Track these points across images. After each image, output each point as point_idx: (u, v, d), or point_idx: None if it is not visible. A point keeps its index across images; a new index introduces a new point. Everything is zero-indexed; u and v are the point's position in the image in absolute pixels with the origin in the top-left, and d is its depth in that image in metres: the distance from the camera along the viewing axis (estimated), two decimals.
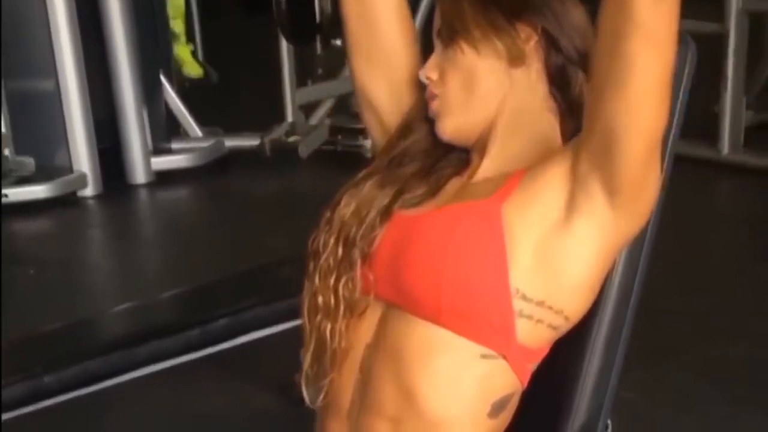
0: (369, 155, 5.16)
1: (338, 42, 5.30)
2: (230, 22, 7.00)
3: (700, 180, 4.68)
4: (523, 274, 1.38)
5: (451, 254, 1.38)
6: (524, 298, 1.38)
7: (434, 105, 1.50)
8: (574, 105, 1.47)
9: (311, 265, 1.49)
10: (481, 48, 1.45)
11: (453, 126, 1.49)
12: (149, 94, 5.25)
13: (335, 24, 5.31)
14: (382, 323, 1.46)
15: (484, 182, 1.48)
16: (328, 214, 1.51)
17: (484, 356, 1.40)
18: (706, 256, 4.11)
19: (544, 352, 1.45)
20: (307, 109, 5.46)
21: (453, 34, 1.47)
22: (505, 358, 1.41)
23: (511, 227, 1.38)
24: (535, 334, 1.41)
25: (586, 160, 1.35)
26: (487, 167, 1.49)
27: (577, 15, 1.47)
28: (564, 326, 1.43)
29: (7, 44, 4.86)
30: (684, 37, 1.49)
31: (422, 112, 1.56)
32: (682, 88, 1.52)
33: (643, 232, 1.49)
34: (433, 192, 1.50)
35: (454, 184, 1.52)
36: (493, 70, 1.46)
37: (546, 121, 1.49)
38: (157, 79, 5.37)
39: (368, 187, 1.50)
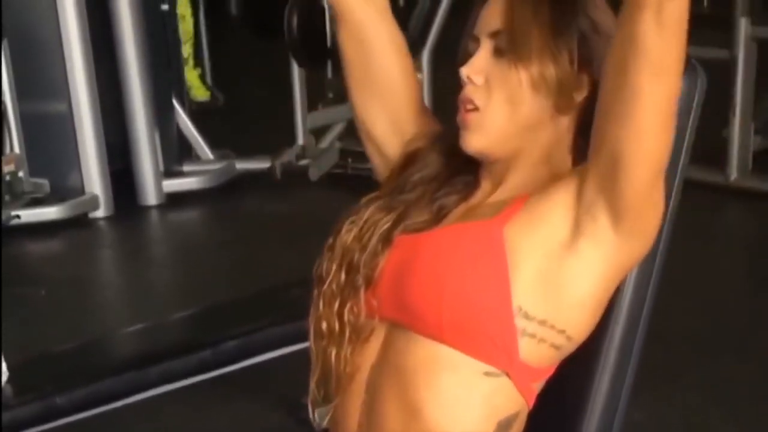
0: (380, 179, 5.16)
1: None
2: (240, 46, 7.04)
3: (709, 204, 4.70)
4: (526, 292, 1.38)
5: (452, 271, 1.39)
6: (526, 316, 1.39)
7: (470, 117, 1.45)
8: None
9: (315, 292, 1.51)
10: (539, 82, 1.43)
11: (485, 145, 1.46)
12: (161, 116, 5.28)
13: None
14: (387, 343, 1.47)
15: (489, 206, 1.49)
16: (330, 241, 1.52)
17: (487, 374, 1.41)
18: (713, 278, 4.12)
19: (549, 372, 1.46)
20: (317, 132, 5.49)
21: (516, 55, 1.43)
22: (508, 375, 1.41)
23: (514, 247, 1.39)
24: (538, 353, 1.42)
25: (592, 185, 1.36)
26: (501, 193, 1.49)
27: None
28: (567, 347, 1.44)
29: (21, 66, 4.90)
30: (693, 64, 1.51)
31: (427, 142, 1.57)
32: (692, 114, 1.52)
33: (653, 254, 1.49)
34: (438, 218, 1.51)
35: (459, 209, 1.52)
36: (540, 105, 1.45)
37: (567, 160, 1.50)
38: (169, 101, 5.40)
39: (369, 213, 1.51)
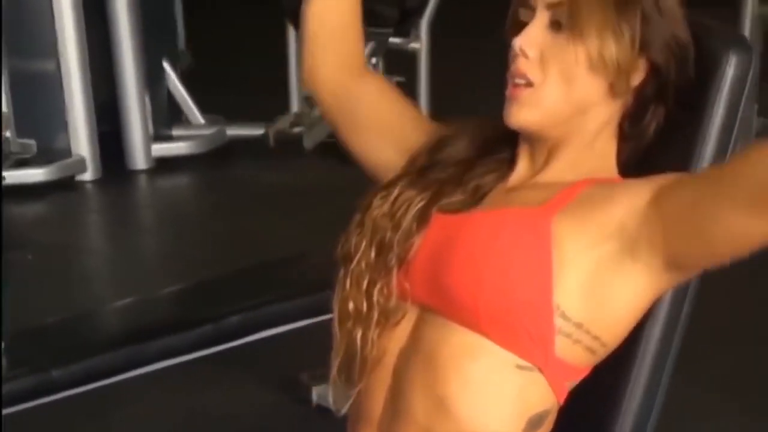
0: None
1: None
2: (234, 9, 6.94)
3: None
4: (567, 293, 1.32)
5: (494, 259, 1.32)
6: (563, 316, 1.32)
7: (523, 92, 1.37)
8: (637, 137, 1.42)
9: (341, 270, 1.44)
10: (597, 62, 1.35)
11: (534, 121, 1.38)
12: (152, 78, 5.16)
13: None
14: (417, 328, 1.40)
15: (533, 188, 1.41)
16: (358, 216, 1.45)
17: (520, 367, 1.34)
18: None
19: (583, 373, 1.39)
20: (311, 100, 5.38)
21: (576, 31, 1.34)
22: (541, 371, 1.35)
23: (561, 242, 1.32)
24: (573, 353, 1.35)
25: (666, 232, 1.28)
26: (542, 176, 1.42)
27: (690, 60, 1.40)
28: (600, 352, 1.37)
29: (9, 24, 4.77)
30: (744, 41, 1.44)
31: (450, 131, 1.50)
32: (744, 96, 1.44)
33: None
34: (475, 198, 1.43)
35: (498, 190, 1.44)
36: (595, 86, 1.37)
37: (611, 147, 1.43)
38: (160, 64, 5.28)
39: (400, 189, 1.44)
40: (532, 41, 1.36)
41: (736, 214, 1.21)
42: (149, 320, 2.66)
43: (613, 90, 1.37)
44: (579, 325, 1.33)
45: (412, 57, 5.17)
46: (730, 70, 1.41)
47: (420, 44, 5.20)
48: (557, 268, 1.31)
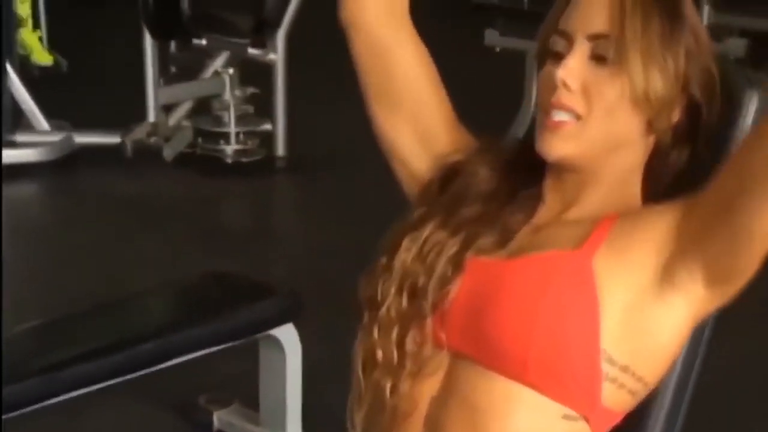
0: (229, 161, 4.98)
1: (203, 42, 5.09)
2: (86, 9, 6.68)
3: None
4: (611, 335, 1.28)
5: (544, 308, 1.27)
6: (610, 360, 1.28)
7: (566, 125, 1.32)
8: (663, 175, 1.39)
9: (366, 316, 1.36)
10: (642, 98, 1.30)
11: (573, 154, 1.33)
12: None
13: (198, 22, 5.09)
14: (452, 377, 1.33)
15: (563, 227, 1.36)
16: (384, 260, 1.37)
17: (566, 417, 1.30)
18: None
19: (620, 417, 1.35)
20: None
21: (622, 65, 1.30)
22: (587, 420, 1.30)
23: (602, 282, 1.28)
24: (616, 399, 1.31)
25: (700, 244, 1.26)
26: (571, 212, 1.37)
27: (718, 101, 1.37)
28: (641, 393, 1.34)
29: None
30: None
31: (466, 155, 1.44)
32: None
33: None
34: (506, 240, 1.37)
35: (526, 228, 1.39)
36: (636, 121, 1.33)
37: (639, 184, 1.40)
38: (1, 65, 5.02)
39: (429, 230, 1.37)
40: (574, 73, 1.31)
41: (762, 201, 1.19)
42: (38, 347, 2.49)
43: (651, 126, 1.34)
44: (625, 368, 1.29)
45: (268, 68, 5.09)
46: (752, 108, 1.40)
47: (276, 56, 5.11)
48: (602, 311, 1.27)
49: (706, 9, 4.76)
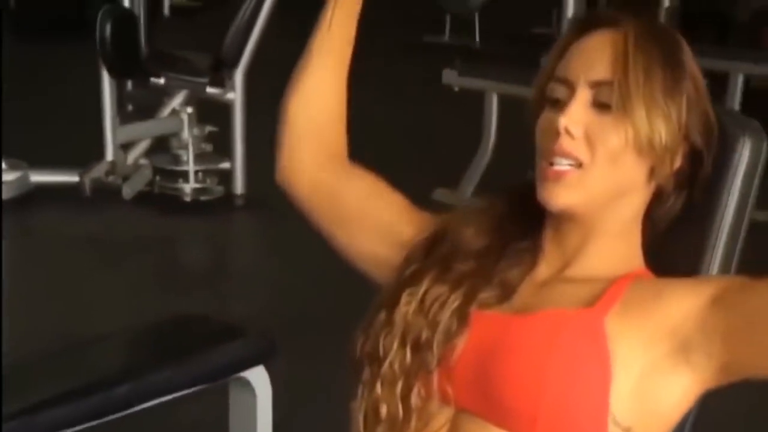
0: (187, 198, 4.96)
1: (161, 80, 5.07)
2: (43, 47, 6.62)
3: None
4: (620, 397, 1.27)
5: (554, 366, 1.25)
6: (615, 421, 1.27)
7: (570, 174, 1.30)
8: (659, 222, 1.39)
9: (367, 372, 1.34)
10: (646, 145, 1.29)
11: (576, 203, 1.32)
12: None
13: (156, 61, 5.08)
14: (455, 430, 1.31)
15: (569, 283, 1.35)
16: (383, 314, 1.35)
17: None
18: None
19: None
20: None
21: (625, 112, 1.29)
22: None
23: (615, 344, 1.27)
24: None
25: (725, 347, 1.24)
26: (575, 267, 1.36)
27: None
28: None
29: None
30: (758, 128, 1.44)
31: (451, 221, 1.42)
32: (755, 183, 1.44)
33: None
34: (508, 294, 1.35)
35: (527, 283, 1.37)
36: (639, 169, 1.32)
37: (639, 230, 1.39)
38: None
39: (428, 285, 1.35)
40: (577, 120, 1.30)
41: None
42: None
43: (653, 174, 1.33)
44: (628, 430, 1.28)
45: (227, 106, 5.08)
46: (745, 154, 1.41)
47: (235, 94, 5.10)
48: (613, 372, 1.26)
49: None
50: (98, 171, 4.81)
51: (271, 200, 5.11)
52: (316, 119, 1.50)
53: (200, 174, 5.01)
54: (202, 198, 4.98)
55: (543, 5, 10.28)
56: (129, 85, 5.52)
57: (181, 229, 4.83)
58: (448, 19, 9.34)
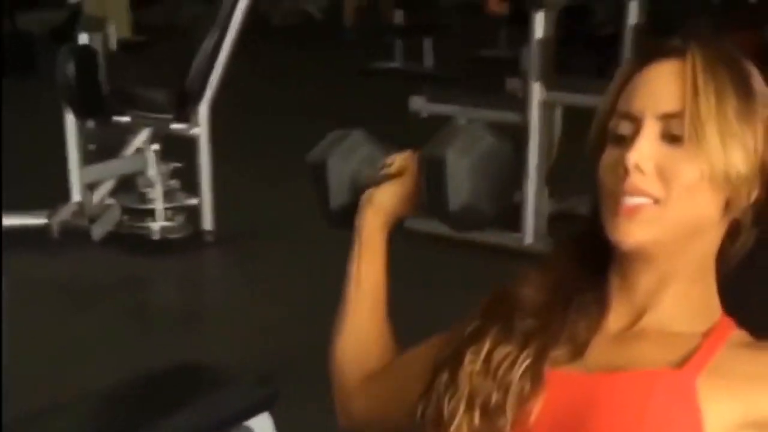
0: (156, 237, 4.87)
1: (125, 118, 4.98)
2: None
3: (501, 269, 4.65)
4: None
5: (647, 428, 1.18)
6: None
7: (647, 209, 1.22)
8: (729, 261, 1.31)
9: None
10: (722, 177, 1.22)
11: (654, 239, 1.23)
12: None
13: (119, 99, 4.99)
14: None
15: (648, 339, 1.27)
16: (445, 375, 1.27)
17: None
18: None
19: None
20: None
21: (699, 144, 1.21)
22: None
23: (705, 407, 1.19)
24: None
25: None
26: (649, 319, 1.28)
27: None
28: None
29: None
30: None
31: (509, 287, 1.33)
32: None
33: None
34: (580, 351, 1.27)
35: (599, 338, 1.29)
36: (713, 201, 1.24)
37: (714, 272, 1.31)
38: None
39: (491, 343, 1.27)
40: (647, 155, 1.22)
41: None
42: None
43: (729, 207, 1.25)
44: None
45: (192, 142, 5.01)
46: None
47: (200, 129, 5.04)
48: None
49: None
50: (66, 213, 4.71)
51: (240, 236, 5.08)
52: (364, 367, 1.50)
53: (168, 212, 4.93)
54: (171, 236, 4.91)
55: (490, 28, 10.35)
56: (90, 123, 5.42)
57: (153, 270, 4.75)
58: (397, 44, 9.35)
